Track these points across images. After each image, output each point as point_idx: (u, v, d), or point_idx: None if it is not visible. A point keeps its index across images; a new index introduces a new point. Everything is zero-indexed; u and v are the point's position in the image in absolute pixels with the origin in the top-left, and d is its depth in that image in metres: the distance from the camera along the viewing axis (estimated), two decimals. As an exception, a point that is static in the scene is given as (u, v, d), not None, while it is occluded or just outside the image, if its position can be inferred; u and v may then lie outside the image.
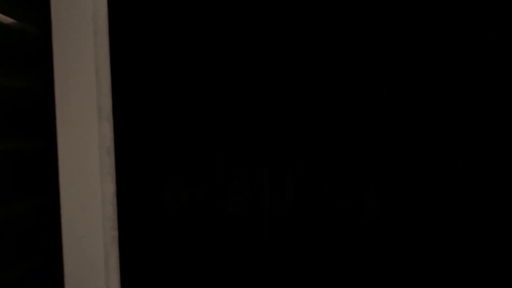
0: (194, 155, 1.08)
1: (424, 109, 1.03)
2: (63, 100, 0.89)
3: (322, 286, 1.08)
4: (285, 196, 1.09)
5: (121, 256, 0.95)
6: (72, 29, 0.89)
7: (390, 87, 1.04)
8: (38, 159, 0.91)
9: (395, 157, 1.06)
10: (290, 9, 1.03)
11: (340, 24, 1.03)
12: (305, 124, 1.06)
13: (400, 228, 1.07)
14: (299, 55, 1.05)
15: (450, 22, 1.01)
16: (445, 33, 1.01)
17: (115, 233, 0.93)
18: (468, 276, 1.05)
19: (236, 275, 1.10)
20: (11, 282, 0.84)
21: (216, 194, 1.09)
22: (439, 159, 1.05)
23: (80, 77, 0.89)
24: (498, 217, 1.03)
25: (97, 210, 0.89)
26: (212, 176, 1.09)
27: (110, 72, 0.93)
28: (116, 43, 0.95)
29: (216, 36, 1.05)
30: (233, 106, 1.06)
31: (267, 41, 1.05)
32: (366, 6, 1.02)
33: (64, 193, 0.89)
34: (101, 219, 0.89)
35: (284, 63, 1.05)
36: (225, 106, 1.06)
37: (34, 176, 0.90)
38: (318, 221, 1.09)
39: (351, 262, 1.08)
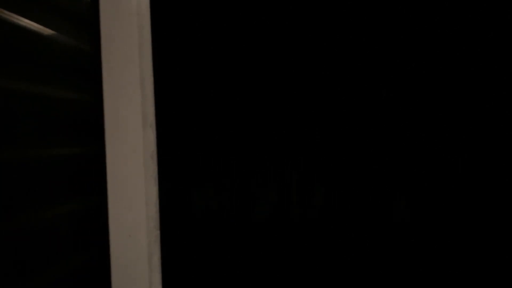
0: (223, 161, 1.13)
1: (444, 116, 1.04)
2: (111, 109, 0.97)
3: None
4: (313, 202, 1.11)
5: (162, 255, 1.01)
6: (119, 45, 0.97)
7: (426, 97, 1.06)
8: (88, 163, 0.99)
9: (423, 162, 1.06)
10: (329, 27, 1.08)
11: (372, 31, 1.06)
12: (333, 130, 1.09)
13: (430, 233, 1.07)
14: (333, 64, 1.09)
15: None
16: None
17: (157, 233, 0.99)
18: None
19: (266, 279, 1.12)
20: (66, 274, 0.92)
21: (244, 199, 1.13)
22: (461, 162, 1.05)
23: (126, 89, 0.97)
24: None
25: (142, 211, 0.96)
26: (239, 181, 1.13)
27: (153, 84, 1.01)
28: (158, 58, 1.02)
29: (251, 50, 1.10)
30: (262, 114, 1.11)
31: (302, 55, 1.10)
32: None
33: (112, 195, 0.96)
34: (145, 220, 0.96)
35: (311, 71, 1.09)
36: (253, 114, 1.11)
37: (85, 179, 0.98)
38: (347, 227, 1.10)
39: (380, 268, 1.08)
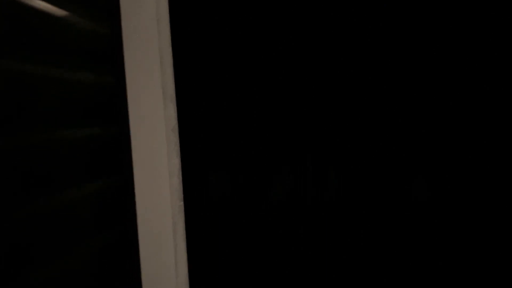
0: (238, 143, 1.13)
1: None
2: (133, 87, 1.00)
3: (365, 274, 1.10)
4: (328, 184, 1.11)
5: (187, 224, 1.05)
6: (138, 21, 1.00)
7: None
8: (114, 142, 1.02)
9: (440, 144, 1.05)
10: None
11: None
12: (347, 111, 1.08)
13: (449, 216, 1.05)
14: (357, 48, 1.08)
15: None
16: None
17: (181, 204, 1.03)
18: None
19: (281, 260, 1.14)
20: (96, 248, 0.96)
21: (260, 182, 1.14)
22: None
23: (146, 66, 1.00)
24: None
25: (165, 183, 0.99)
26: (255, 164, 1.14)
27: (172, 61, 1.03)
28: (176, 36, 1.04)
29: (271, 34, 1.10)
30: (277, 97, 1.10)
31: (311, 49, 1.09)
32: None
33: (137, 169, 1.00)
34: (169, 191, 1.00)
35: (330, 56, 1.08)
36: (269, 98, 1.11)
37: (111, 157, 1.02)
38: (362, 209, 1.09)
39: (396, 250, 1.07)
